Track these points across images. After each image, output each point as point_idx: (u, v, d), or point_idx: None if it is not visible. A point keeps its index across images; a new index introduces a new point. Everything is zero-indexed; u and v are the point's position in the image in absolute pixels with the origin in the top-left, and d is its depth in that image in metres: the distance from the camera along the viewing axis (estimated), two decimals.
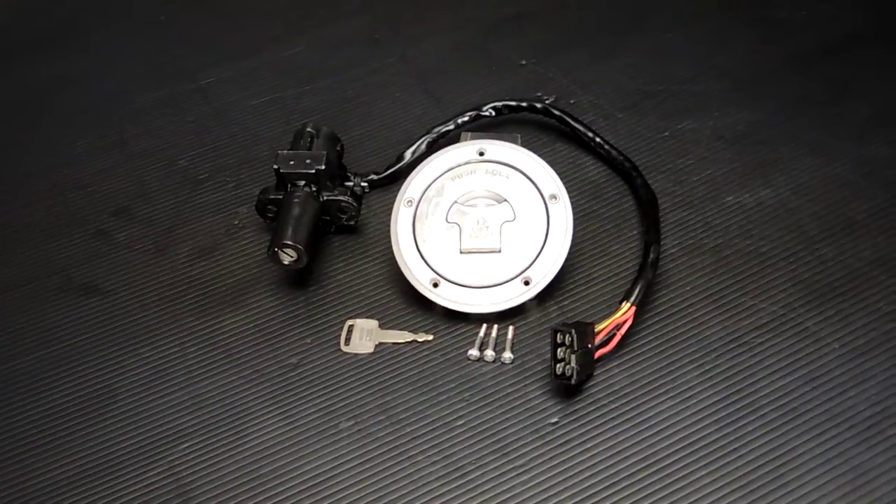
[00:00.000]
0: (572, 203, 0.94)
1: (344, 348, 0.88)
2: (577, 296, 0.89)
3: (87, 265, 0.97)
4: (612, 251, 0.92)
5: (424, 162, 0.94)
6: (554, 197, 0.90)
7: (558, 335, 0.81)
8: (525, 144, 1.01)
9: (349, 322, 0.90)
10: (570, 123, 1.03)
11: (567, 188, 0.97)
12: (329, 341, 0.88)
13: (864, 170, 0.96)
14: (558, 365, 0.81)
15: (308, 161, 0.94)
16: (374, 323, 0.90)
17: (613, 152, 1.00)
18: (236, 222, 0.99)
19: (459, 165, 0.93)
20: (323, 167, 0.93)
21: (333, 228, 0.97)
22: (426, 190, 0.92)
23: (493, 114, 1.05)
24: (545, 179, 0.91)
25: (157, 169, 1.07)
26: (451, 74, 1.14)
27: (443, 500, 0.77)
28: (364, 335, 0.89)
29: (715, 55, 1.11)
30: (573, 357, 0.80)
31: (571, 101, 1.08)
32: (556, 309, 0.89)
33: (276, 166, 0.94)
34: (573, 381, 0.80)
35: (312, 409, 0.83)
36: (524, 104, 1.05)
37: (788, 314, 0.85)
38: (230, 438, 0.82)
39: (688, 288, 0.89)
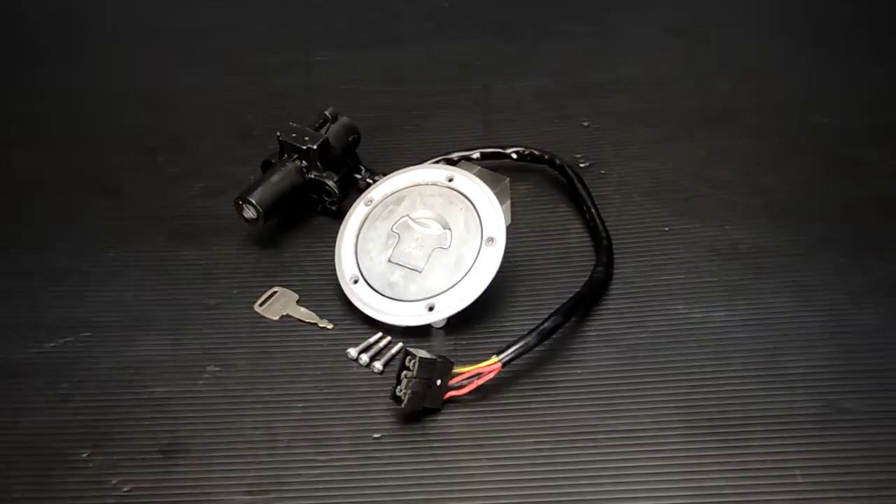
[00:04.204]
0: (535, 258, 0.97)
1: (257, 308, 0.94)
2: (481, 340, 0.89)
3: (121, 172, 1.11)
4: (541, 315, 0.90)
5: (399, 171, 0.98)
6: (491, 240, 0.91)
7: (407, 358, 0.82)
8: (533, 195, 1.05)
9: (274, 288, 0.96)
10: (576, 187, 1.02)
11: (539, 245, 0.99)
12: (251, 298, 0.95)
13: (835, 329, 0.87)
14: (398, 386, 0.82)
15: (306, 138, 1.01)
16: (294, 296, 0.95)
17: (600, 227, 0.98)
18: (251, 177, 1.08)
19: (427, 184, 0.96)
20: (315, 147, 1.00)
21: (320, 208, 1.04)
22: (388, 196, 0.97)
23: (515, 157, 1.06)
24: (491, 222, 0.91)
25: (227, 115, 1.19)
26: (516, 115, 1.16)
27: (242, 461, 0.81)
28: (279, 303, 0.95)
29: (769, 173, 1.05)
30: (408, 383, 0.81)
31: (602, 172, 1.06)
32: (452, 343, 0.90)
33: (278, 133, 1.02)
34: (402, 406, 0.81)
35: (196, 347, 0.91)
36: (546, 156, 1.05)
37: (656, 431, 0.80)
38: (121, 342, 0.91)
39: (578, 371, 0.86)
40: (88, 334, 0.92)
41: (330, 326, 0.92)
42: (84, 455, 0.82)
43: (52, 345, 0.91)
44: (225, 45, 1.33)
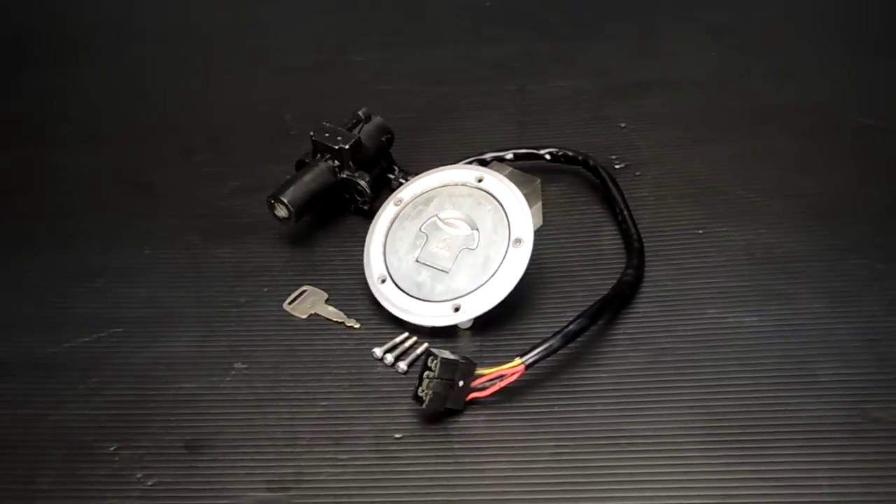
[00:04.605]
0: (565, 260, 0.96)
1: (286, 307, 0.95)
2: (507, 342, 0.88)
3: (158, 170, 1.13)
4: (569, 318, 0.89)
5: (429, 171, 0.98)
6: (519, 241, 0.90)
7: (429, 359, 0.82)
8: (566, 196, 1.04)
9: (304, 287, 0.97)
10: (609, 189, 1.01)
11: (570, 247, 0.98)
12: (280, 296, 0.95)
13: (870, 337, 0.85)
14: (420, 387, 0.82)
15: (339, 138, 1.01)
16: (323, 295, 0.96)
17: (632, 229, 0.96)
18: (287, 177, 1.09)
19: (456, 185, 0.96)
20: (347, 147, 1.00)
21: (353, 208, 1.04)
22: (418, 196, 0.96)
23: (549, 158, 1.06)
24: (519, 223, 0.91)
25: (264, 115, 1.20)
26: (551, 116, 1.15)
27: (264, 458, 0.81)
28: (308, 302, 0.95)
29: (807, 176, 1.02)
30: (429, 383, 0.81)
31: (637, 173, 1.05)
32: (478, 344, 0.89)
33: (311, 133, 1.02)
34: (423, 406, 0.81)
35: (224, 342, 0.92)
36: (580, 157, 1.04)
37: (681, 437, 0.79)
38: (151, 338, 0.93)
39: (603, 375, 0.85)
40: (120, 330, 0.93)
41: (357, 326, 0.93)
42: (111, 449, 0.83)
43: (84, 340, 0.93)
44: (265, 45, 1.35)
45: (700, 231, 0.98)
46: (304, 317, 0.94)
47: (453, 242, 0.93)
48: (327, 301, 0.95)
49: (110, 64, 1.33)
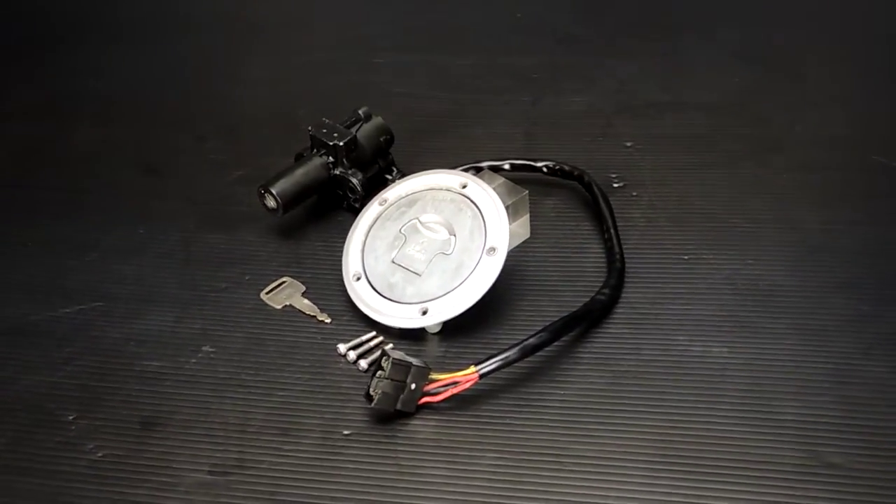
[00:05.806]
0: (546, 274, 0.96)
1: (262, 296, 0.96)
2: (472, 350, 0.88)
3: (168, 154, 1.16)
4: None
5: (416, 174, 0.98)
6: (493, 250, 0.90)
7: (383, 359, 0.82)
8: (559, 210, 1.03)
9: (284, 278, 0.98)
10: (599, 206, 0.99)
11: (554, 261, 0.97)
12: (261, 285, 0.97)
13: (840, 379, 0.82)
14: (371, 385, 0.82)
15: (335, 135, 1.02)
16: (300, 288, 0.97)
17: (616, 249, 0.95)
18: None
19: (441, 189, 0.96)
20: (341, 144, 1.01)
21: (345, 205, 1.05)
22: (402, 197, 0.97)
23: (545, 171, 1.05)
24: (495, 232, 0.90)
25: (280, 108, 1.23)
26: (560, 129, 1.15)
27: (213, 441, 0.82)
28: (284, 293, 0.96)
29: (809, 210, 0.99)
30: (378, 383, 0.81)
31: (634, 194, 1.04)
32: (444, 349, 0.89)
33: (309, 128, 1.03)
34: (371, 405, 0.81)
35: (197, 327, 0.93)
36: (575, 172, 1.03)
37: (625, 463, 0.77)
38: (129, 315, 0.95)
39: (560, 392, 0.84)
40: (101, 304, 0.96)
41: (328, 321, 0.93)
42: (70, 418, 0.85)
43: (66, 311, 0.95)
44: (289, 41, 1.37)
45: (686, 257, 0.96)
46: (279, 307, 0.95)
47: (429, 246, 0.93)
48: (304, 294, 0.96)
49: (140, 50, 1.38)
